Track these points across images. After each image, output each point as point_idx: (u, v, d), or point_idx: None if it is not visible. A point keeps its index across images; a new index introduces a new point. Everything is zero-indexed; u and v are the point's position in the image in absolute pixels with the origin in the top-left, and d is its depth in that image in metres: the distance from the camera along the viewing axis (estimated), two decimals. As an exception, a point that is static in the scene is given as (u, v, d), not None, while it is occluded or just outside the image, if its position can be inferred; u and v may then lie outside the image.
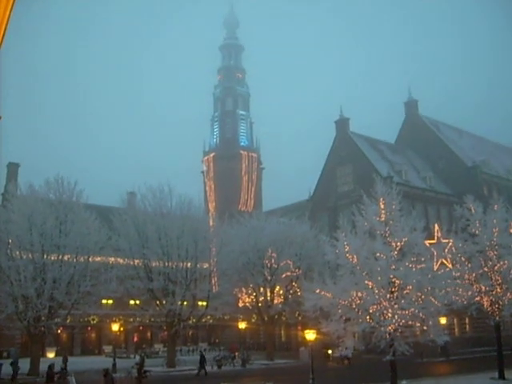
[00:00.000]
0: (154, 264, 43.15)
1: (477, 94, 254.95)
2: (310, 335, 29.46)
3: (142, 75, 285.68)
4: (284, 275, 50.96)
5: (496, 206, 34.27)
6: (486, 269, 33.10)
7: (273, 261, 50.36)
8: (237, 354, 50.93)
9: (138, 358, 43.84)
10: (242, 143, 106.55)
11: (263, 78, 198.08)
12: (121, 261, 44.58)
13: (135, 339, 68.13)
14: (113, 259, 45.27)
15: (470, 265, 33.24)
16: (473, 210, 33.80)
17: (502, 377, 31.85)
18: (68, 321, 45.40)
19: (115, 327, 47.40)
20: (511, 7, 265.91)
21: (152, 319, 55.34)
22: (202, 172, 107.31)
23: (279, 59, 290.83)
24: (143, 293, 43.58)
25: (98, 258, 42.59)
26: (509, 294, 32.87)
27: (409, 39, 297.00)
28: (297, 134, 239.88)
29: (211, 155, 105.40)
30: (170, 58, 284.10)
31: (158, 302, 43.30)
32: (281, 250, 49.89)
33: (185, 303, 43.77)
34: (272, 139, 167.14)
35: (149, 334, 69.28)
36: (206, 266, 45.83)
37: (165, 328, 47.27)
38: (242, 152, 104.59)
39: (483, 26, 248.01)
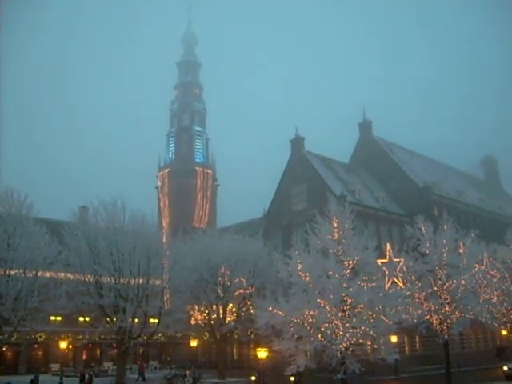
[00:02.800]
0: (104, 280, 42.25)
1: (430, 117, 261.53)
2: (262, 353, 29.38)
3: (99, 87, 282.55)
4: (237, 293, 50.71)
5: (446, 227, 35.08)
6: (435, 288, 33.73)
7: (226, 278, 50.07)
8: (188, 372, 50.29)
9: (86, 376, 42.74)
10: (198, 159, 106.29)
11: (221, 95, 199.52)
12: (71, 276, 43.47)
13: (84, 357, 66.55)
14: (62, 275, 44.11)
15: (420, 284, 33.81)
16: (423, 230, 34.48)
17: (449, 394, 32.46)
18: (14, 338, 43.99)
19: (63, 344, 46.28)
20: (468, 32, 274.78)
21: (102, 336, 54.21)
22: (157, 187, 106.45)
23: (237, 77, 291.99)
24: (93, 309, 42.58)
25: (47, 274, 41.44)
26: (457, 312, 33.55)
27: (367, 60, 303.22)
28: (253, 152, 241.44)
29: (166, 171, 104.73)
30: (129, 73, 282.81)
31: (108, 319, 42.36)
32: (234, 268, 49.67)
33: (136, 320, 42.96)
34: (228, 156, 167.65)
35: (98, 352, 67.70)
36: (158, 282, 45.15)
37: (115, 346, 46.24)
38: (197, 168, 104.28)
39: (441, 50, 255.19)
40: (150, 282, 43.56)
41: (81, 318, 48.12)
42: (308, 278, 26.90)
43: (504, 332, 43.74)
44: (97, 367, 59.47)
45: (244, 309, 51.30)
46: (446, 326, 33.71)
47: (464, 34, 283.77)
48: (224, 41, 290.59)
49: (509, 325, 40.43)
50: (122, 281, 41.92)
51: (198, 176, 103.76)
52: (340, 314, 26.65)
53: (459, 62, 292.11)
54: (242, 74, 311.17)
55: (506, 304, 39.35)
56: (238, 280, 50.03)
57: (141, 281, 42.56)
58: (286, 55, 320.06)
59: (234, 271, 49.79)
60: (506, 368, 42.23)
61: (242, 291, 50.66)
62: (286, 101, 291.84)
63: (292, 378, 32.42)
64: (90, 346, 65.32)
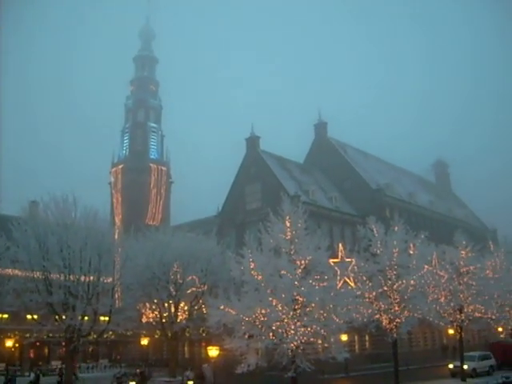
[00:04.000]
0: (54, 277, 41.36)
1: (385, 120, 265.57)
2: (213, 352, 29.33)
3: (54, 82, 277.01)
4: (189, 291, 50.41)
5: (396, 228, 35.64)
6: (385, 288, 34.23)
7: (178, 276, 49.68)
8: (138, 370, 49.76)
9: (32, 375, 41.83)
10: (152, 156, 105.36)
11: (178, 91, 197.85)
12: (19, 273, 42.44)
13: (31, 356, 65.12)
14: (10, 271, 43.10)
15: (370, 283, 34.25)
16: (375, 231, 34.94)
17: (397, 392, 33.08)
18: (-44, 336, 42.82)
19: (9, 343, 45.15)
20: (425, 32, 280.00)
21: (50, 335, 53.06)
22: (110, 183, 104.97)
23: (195, 74, 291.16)
24: (41, 307, 41.63)
25: (-5, 270, 40.53)
26: (406, 312, 34.14)
27: (323, 63, 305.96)
28: (209, 150, 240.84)
29: (120, 167, 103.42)
30: (86, 68, 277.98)
31: (57, 317, 41.48)
32: (187, 265, 49.34)
33: (85, 318, 42.26)
34: (183, 154, 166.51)
35: (46, 351, 66.42)
36: (109, 280, 44.47)
37: (63, 344, 45.43)
38: (151, 165, 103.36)
39: (396, 52, 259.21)
40: (101, 279, 42.85)
41: (28, 316, 46.94)
42: (260, 277, 26.94)
43: (450, 331, 44.72)
44: (44, 366, 58.29)
45: (196, 307, 51.05)
46: (395, 325, 34.27)
47: (430, 35, 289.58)
48: (183, 37, 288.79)
49: (455, 324, 41.34)
50: (72, 278, 41.09)
51: (152, 173, 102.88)
52: (291, 313, 26.77)
53: (414, 64, 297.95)
54: (200, 71, 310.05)
55: (452, 304, 40.22)
56: (190, 278, 49.73)
57: (91, 278, 41.81)
58: (245, 54, 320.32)
59: (187, 269, 49.47)
60: (451, 366, 43.36)
61: (194, 289, 50.38)
62: (243, 99, 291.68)
63: None
64: (38, 344, 64.01)
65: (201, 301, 49.87)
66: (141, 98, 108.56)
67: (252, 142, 67.48)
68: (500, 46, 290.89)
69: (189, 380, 40.31)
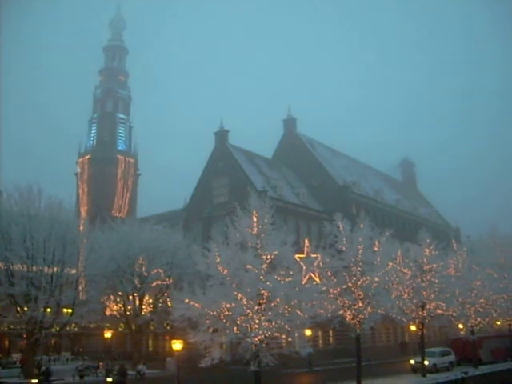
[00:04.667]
0: (16, 268, 40.84)
1: (355, 118, 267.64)
2: (177, 345, 29.22)
3: (20, 70, 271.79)
4: (154, 284, 50.27)
5: (362, 225, 35.93)
6: (350, 284, 34.51)
7: (143, 269, 49.51)
8: (101, 363, 49.42)
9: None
10: (120, 147, 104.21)
11: (147, 83, 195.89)
12: (-21, 263, 41.79)
13: (-9, 347, 64.09)
14: (-29, 261, 42.35)
15: (335, 279, 34.49)
16: (341, 228, 35.17)
17: (359, 387, 33.50)
18: None
19: (-32, 334, 44.31)
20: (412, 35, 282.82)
21: (11, 326, 52.34)
22: (76, 174, 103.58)
23: (166, 66, 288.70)
24: (2, 298, 41.05)
25: (-46, 260, 39.70)
26: (369, 308, 34.50)
27: (295, 60, 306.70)
28: (177, 143, 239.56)
29: (86, 157, 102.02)
30: (55, 56, 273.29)
31: (18, 309, 40.97)
32: (152, 258, 49.18)
33: (48, 310, 41.81)
34: (151, 146, 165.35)
35: (6, 343, 65.37)
36: (73, 271, 44.05)
37: (25, 336, 44.79)
38: (118, 156, 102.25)
39: (371, 53, 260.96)
40: (65, 270, 42.46)
41: (-12, 307, 46.24)
42: (226, 271, 26.93)
43: (412, 327, 45.40)
44: (4, 359, 57.34)
45: (161, 300, 50.94)
46: (359, 321, 34.59)
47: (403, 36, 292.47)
48: (154, 29, 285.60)
49: (417, 320, 41.96)
50: (34, 269, 40.64)
51: (120, 164, 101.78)
52: (256, 308, 26.85)
53: (387, 67, 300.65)
54: (171, 64, 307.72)
55: (415, 301, 40.78)
56: (155, 271, 49.60)
57: (55, 269, 41.41)
58: (217, 47, 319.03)
59: (152, 262, 49.30)
60: (412, 362, 44.04)
61: (159, 282, 50.26)
62: (214, 94, 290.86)
63: None
64: (-2, 336, 63.03)
65: (166, 294, 49.80)
66: (110, 88, 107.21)
67: (221, 135, 67.31)
68: (461, 44, 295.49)
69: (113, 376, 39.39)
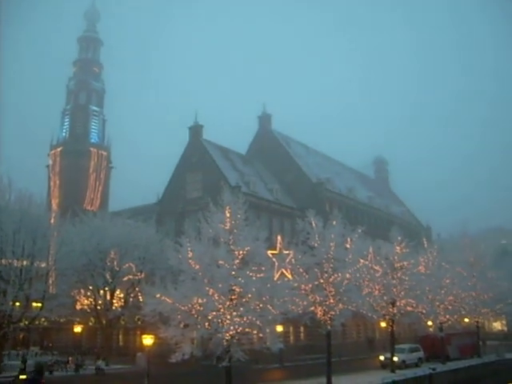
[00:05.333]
0: (-15, 261, 40.23)
1: (330, 116, 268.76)
2: (148, 340, 29.07)
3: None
4: (126, 278, 49.98)
5: (335, 222, 36.14)
6: (321, 280, 34.70)
7: (115, 263, 49.14)
8: (70, 358, 48.95)
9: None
10: (93, 140, 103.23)
11: (123, 76, 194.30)
12: None
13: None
14: None
15: (307, 276, 34.64)
16: (313, 224, 35.31)
17: (329, 382, 33.82)
18: None
19: None
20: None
21: (-21, 320, 51.41)
22: (48, 166, 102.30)
23: (142, 60, 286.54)
24: (-30, 291, 40.42)
25: None
26: (340, 304, 34.75)
27: (274, 57, 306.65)
28: (151, 137, 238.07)
29: (58, 149, 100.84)
30: (30, 46, 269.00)
31: (-15, 302, 40.33)
32: (124, 253, 48.84)
33: (17, 304, 41.23)
34: (125, 139, 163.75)
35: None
36: (43, 265, 43.52)
37: (-8, 330, 44.09)
38: (91, 149, 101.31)
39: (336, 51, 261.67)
40: (35, 264, 41.93)
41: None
42: (198, 267, 26.85)
43: (383, 324, 45.84)
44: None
45: (132, 295, 50.63)
46: (330, 318, 34.81)
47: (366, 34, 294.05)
48: (129, 22, 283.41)
49: (387, 317, 42.37)
50: (3, 262, 40.09)
51: (92, 157, 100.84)
52: (228, 303, 26.83)
53: (362, 66, 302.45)
54: (147, 57, 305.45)
55: (385, 298, 41.19)
56: (127, 265, 49.31)
57: (24, 262, 40.88)
58: (192, 41, 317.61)
59: (124, 256, 48.98)
60: (382, 358, 44.53)
61: (131, 277, 49.99)
62: (189, 88, 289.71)
63: None
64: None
65: (137, 289, 49.53)
66: (83, 80, 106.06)
67: (195, 130, 67.00)
68: (443, 48, 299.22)
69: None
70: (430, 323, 48.77)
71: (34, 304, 44.34)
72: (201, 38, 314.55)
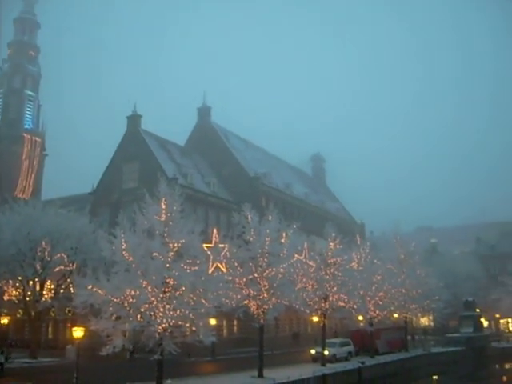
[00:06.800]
0: None
1: (271, 111, 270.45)
2: (78, 332, 28.51)
3: None
4: (57, 269, 48.74)
5: (270, 217, 36.42)
6: (255, 274, 34.94)
7: (46, 253, 47.79)
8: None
9: None
10: (27, 126, 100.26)
11: (59, 62, 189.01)
12: None
13: None
14: None
15: (241, 270, 34.81)
16: (249, 219, 35.46)
17: (260, 375, 34.15)
18: None
19: None
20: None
21: None
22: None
23: (80, 47, 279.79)
24: None
25: None
26: (274, 299, 35.10)
27: (215, 49, 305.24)
28: (88, 125, 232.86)
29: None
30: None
31: None
32: (56, 243, 47.57)
33: None
34: (61, 126, 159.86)
35: None
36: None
37: None
38: (25, 135, 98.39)
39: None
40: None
41: None
42: (131, 258, 26.50)
43: (315, 318, 46.51)
44: None
45: (63, 286, 49.47)
46: (263, 312, 35.13)
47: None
48: (68, 6, 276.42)
49: (320, 312, 42.98)
50: None
51: (26, 143, 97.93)
52: (161, 296, 26.64)
53: (309, 61, 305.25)
54: (84, 43, 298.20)
55: (318, 293, 41.76)
56: (59, 256, 48.06)
57: None
58: (135, 29, 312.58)
59: (56, 246, 47.72)
60: (313, 351, 45.19)
61: (62, 268, 48.81)
62: (131, 76, 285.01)
63: None
64: None
65: (68, 280, 48.42)
66: (18, 63, 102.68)
67: (133, 120, 65.91)
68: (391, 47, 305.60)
69: None
70: (360, 318, 49.80)
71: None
72: (145, 24, 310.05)
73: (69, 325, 55.32)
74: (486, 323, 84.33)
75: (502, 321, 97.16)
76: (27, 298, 48.77)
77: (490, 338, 70.22)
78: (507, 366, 61.16)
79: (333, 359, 44.17)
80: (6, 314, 58.05)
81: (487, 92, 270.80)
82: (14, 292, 49.52)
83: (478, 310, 74.89)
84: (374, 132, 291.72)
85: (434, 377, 53.39)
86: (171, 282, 26.92)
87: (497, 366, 60.87)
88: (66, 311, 52.40)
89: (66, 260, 48.36)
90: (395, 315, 56.22)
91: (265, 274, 35.02)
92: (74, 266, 48.07)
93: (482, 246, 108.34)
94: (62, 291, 49.22)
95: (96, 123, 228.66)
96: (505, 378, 55.61)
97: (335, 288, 42.59)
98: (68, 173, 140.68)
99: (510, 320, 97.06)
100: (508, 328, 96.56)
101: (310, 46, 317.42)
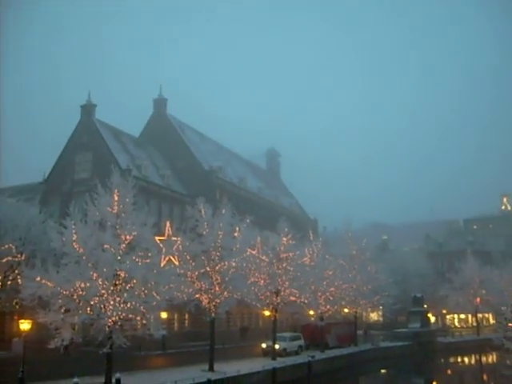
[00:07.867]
0: None
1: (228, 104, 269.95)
2: (25, 325, 28.01)
3: None
4: (4, 260, 47.55)
5: (224, 211, 36.43)
6: (208, 268, 34.95)
7: (-7, 244, 46.57)
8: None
9: None
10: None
11: (15, 49, 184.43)
12: None
13: None
14: None
15: (194, 263, 34.75)
16: (202, 212, 35.42)
17: (211, 369, 34.21)
18: None
19: None
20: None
21: None
22: None
23: (34, 33, 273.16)
24: None
25: None
26: (226, 292, 35.19)
27: (173, 40, 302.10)
28: (41, 113, 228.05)
29: None
30: None
31: None
32: (3, 233, 46.38)
33: None
34: (12, 112, 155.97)
35: None
36: None
37: None
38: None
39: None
40: None
41: None
42: (82, 250, 26.11)
43: (266, 313, 46.75)
44: None
45: (11, 277, 48.31)
46: (214, 305, 35.16)
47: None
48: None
49: (271, 306, 43.22)
50: None
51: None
52: (112, 288, 26.39)
53: (251, 51, 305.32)
54: (42, 33, 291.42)
55: (270, 287, 42.01)
56: (6, 246, 46.89)
57: None
58: (92, 18, 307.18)
59: (4, 237, 46.48)
60: (264, 345, 45.46)
61: (10, 258, 47.62)
62: (86, 66, 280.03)
63: None
64: None
65: (16, 271, 47.28)
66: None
67: (87, 109, 64.70)
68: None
69: None
70: (311, 313, 50.32)
71: None
72: (105, 11, 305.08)
73: (16, 317, 54.07)
74: (433, 319, 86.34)
75: (448, 316, 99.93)
76: (-29, 290, 47.48)
77: (436, 333, 71.85)
78: (452, 359, 62.83)
79: (283, 353, 44.54)
80: None
81: (446, 100, 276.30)
82: (-43, 283, 48.12)
83: (425, 306, 76.60)
84: (330, 129, 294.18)
85: (382, 371, 54.52)
86: (122, 275, 26.69)
87: (442, 359, 62.44)
88: (14, 303, 51.14)
89: (13, 251, 47.21)
90: (345, 310, 57.05)
91: (217, 267, 35.05)
92: (23, 257, 46.95)
93: (431, 243, 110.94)
94: (9, 283, 48.05)
95: (51, 112, 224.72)
96: (449, 372, 57.11)
97: (287, 283, 42.91)
98: (18, 161, 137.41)
99: (455, 316, 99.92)
100: (454, 323, 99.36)
101: (275, 41, 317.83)
